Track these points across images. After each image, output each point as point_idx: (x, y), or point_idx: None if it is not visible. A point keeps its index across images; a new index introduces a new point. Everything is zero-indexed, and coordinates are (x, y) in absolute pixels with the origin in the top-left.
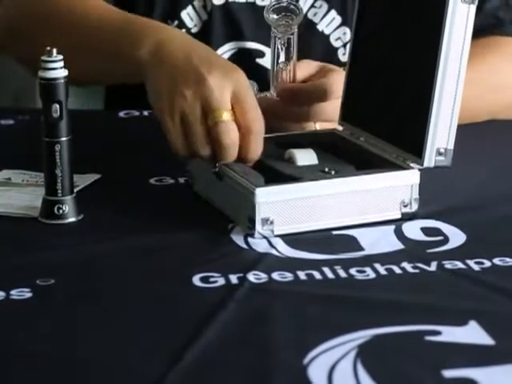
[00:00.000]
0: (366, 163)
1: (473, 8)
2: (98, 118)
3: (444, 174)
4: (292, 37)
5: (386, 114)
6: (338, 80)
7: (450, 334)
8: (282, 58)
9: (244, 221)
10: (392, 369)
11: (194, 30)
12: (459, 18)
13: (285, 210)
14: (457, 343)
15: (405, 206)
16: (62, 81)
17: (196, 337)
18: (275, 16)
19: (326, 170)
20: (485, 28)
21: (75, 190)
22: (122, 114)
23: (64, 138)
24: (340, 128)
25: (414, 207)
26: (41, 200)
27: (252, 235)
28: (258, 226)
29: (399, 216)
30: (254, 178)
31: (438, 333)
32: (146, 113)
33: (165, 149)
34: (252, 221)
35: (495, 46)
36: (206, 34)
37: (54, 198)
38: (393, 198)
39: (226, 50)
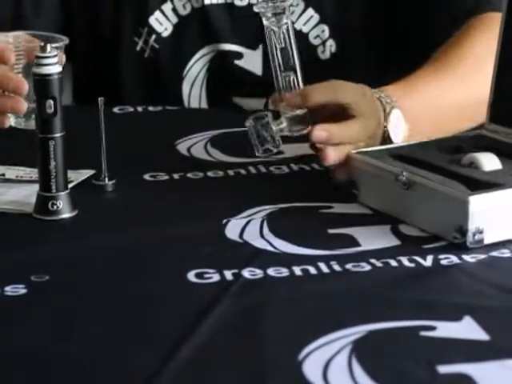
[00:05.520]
0: None
1: None
2: (92, 114)
3: None
4: (286, 31)
5: None
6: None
7: (445, 329)
8: (280, 62)
9: (448, 231)
10: (387, 364)
11: (164, 34)
12: None
13: (495, 218)
14: (451, 338)
15: None
16: (56, 77)
17: (191, 333)
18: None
19: None
20: (477, 7)
21: (69, 186)
22: (116, 109)
23: (58, 134)
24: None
25: None
26: (35, 196)
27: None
28: (470, 236)
29: None
30: (453, 185)
31: (432, 328)
32: (139, 109)
33: (159, 145)
34: (462, 230)
35: (487, 24)
36: (178, 38)
37: (49, 194)
38: None
39: (204, 54)
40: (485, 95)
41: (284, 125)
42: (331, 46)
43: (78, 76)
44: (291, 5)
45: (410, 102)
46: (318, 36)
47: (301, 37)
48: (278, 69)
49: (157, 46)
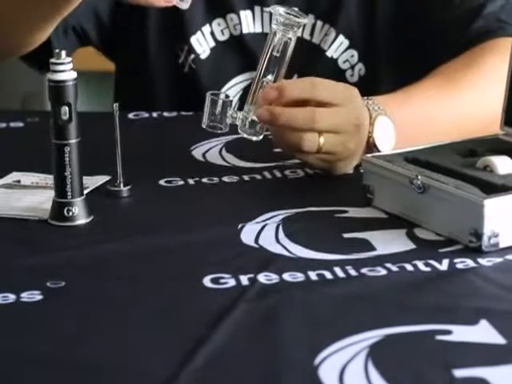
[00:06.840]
0: None
1: None
2: (107, 120)
3: None
4: (289, 43)
5: None
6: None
7: (461, 333)
8: (271, 68)
9: (464, 234)
10: (403, 368)
11: (202, 56)
12: None
13: (511, 222)
14: (468, 342)
15: None
16: (71, 83)
17: (207, 337)
18: (282, 9)
19: None
20: (488, 31)
21: (85, 192)
22: (131, 115)
23: (73, 140)
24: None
25: None
26: (51, 202)
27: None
28: (485, 239)
29: None
30: (468, 189)
31: (448, 332)
32: (155, 114)
33: (174, 150)
34: (478, 234)
35: (499, 48)
36: (214, 62)
37: (64, 200)
38: None
39: (238, 81)
40: (483, 115)
41: (238, 117)
42: (360, 69)
43: (119, 83)
44: (303, 25)
45: (404, 112)
46: (347, 60)
47: (331, 63)
48: (262, 72)
49: (194, 66)
